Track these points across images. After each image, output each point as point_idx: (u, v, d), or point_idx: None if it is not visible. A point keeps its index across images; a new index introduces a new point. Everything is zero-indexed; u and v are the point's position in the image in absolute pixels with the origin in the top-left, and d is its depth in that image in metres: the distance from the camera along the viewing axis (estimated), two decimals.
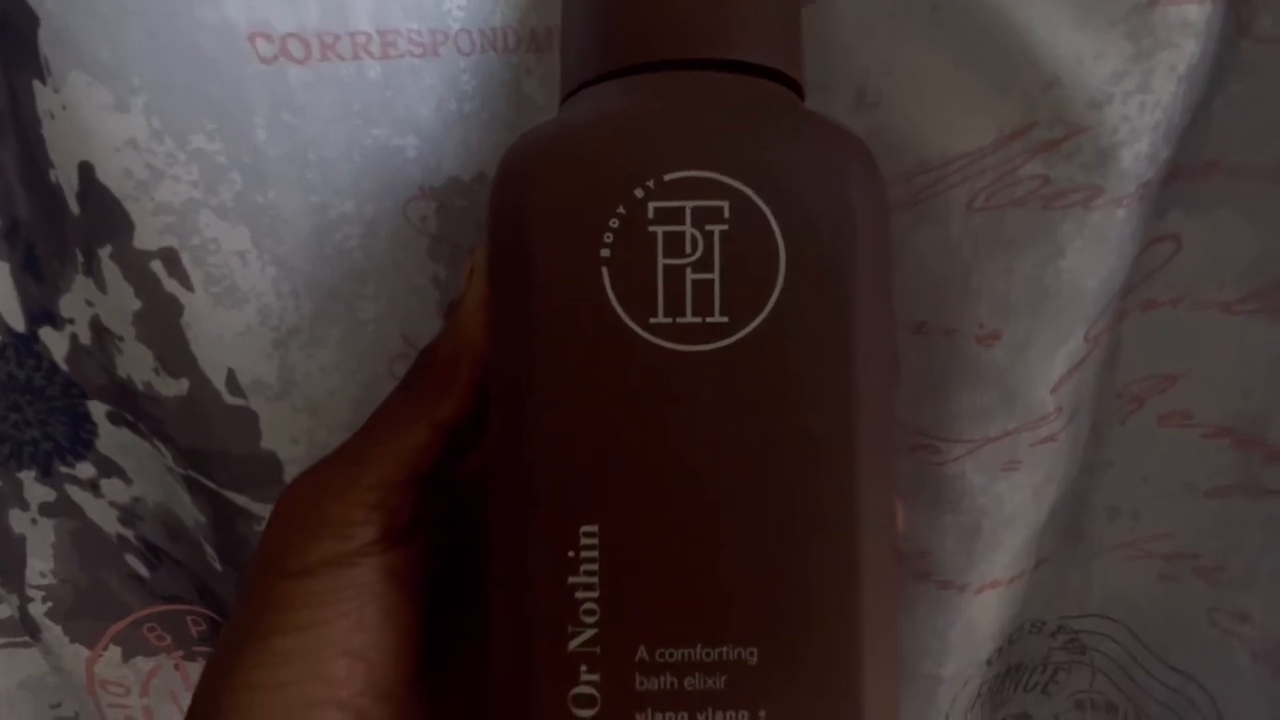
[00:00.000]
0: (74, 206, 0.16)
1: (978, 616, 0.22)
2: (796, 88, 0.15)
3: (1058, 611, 0.24)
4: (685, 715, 0.13)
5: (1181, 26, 0.14)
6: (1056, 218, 0.16)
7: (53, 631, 0.25)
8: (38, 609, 0.25)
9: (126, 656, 0.26)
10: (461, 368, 0.15)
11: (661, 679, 0.13)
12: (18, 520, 0.23)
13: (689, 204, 0.13)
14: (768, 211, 0.13)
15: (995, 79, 0.15)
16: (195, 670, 0.28)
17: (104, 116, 0.15)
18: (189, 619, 0.26)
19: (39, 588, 0.24)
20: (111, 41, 0.14)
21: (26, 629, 0.26)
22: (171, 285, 0.16)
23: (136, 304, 0.17)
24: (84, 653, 0.26)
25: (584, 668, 0.13)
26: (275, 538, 0.15)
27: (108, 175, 0.15)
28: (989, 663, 0.23)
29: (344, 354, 0.19)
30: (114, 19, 0.14)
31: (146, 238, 0.16)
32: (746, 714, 0.13)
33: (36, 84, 0.15)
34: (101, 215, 0.16)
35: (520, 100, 0.17)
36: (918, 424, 0.19)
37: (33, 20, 0.14)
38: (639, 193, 0.13)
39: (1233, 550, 0.20)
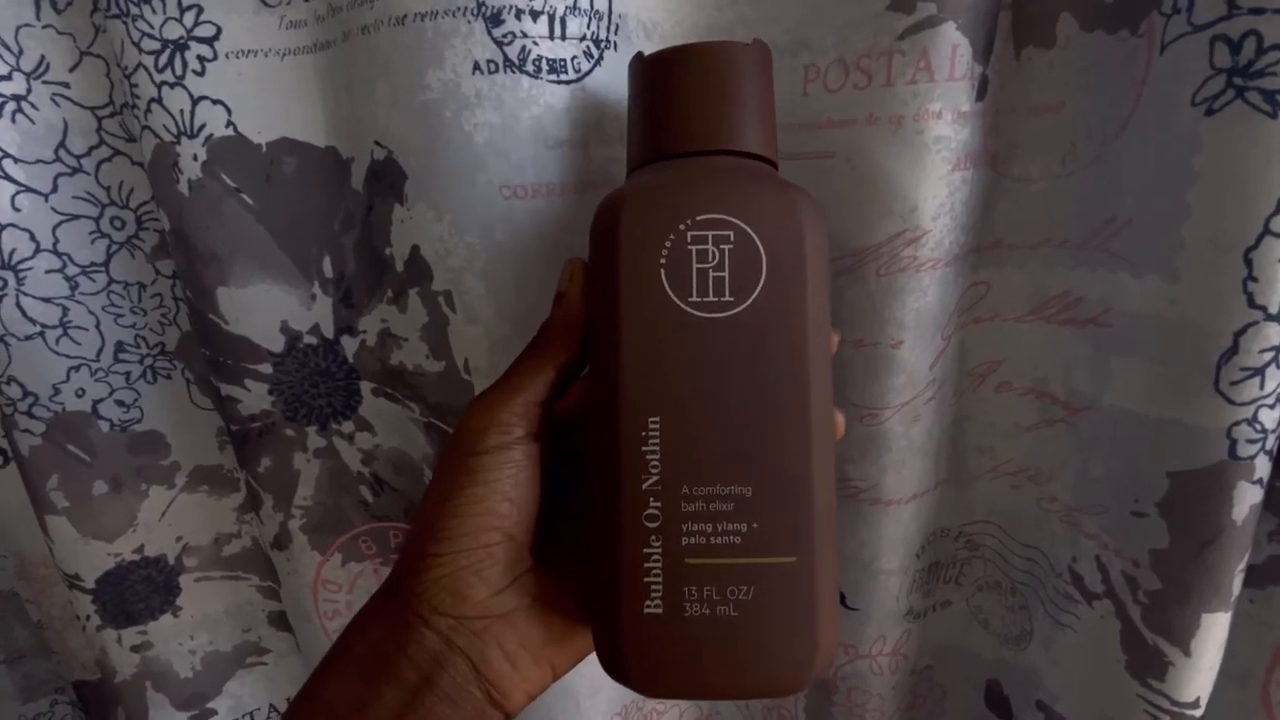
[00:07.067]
0: (399, 266, 0.29)
1: (908, 520, 0.32)
2: (772, 163, 0.21)
3: (956, 522, 0.35)
4: (710, 525, 0.19)
5: (963, 184, 0.26)
6: (923, 276, 0.27)
7: (299, 541, 0.36)
8: (295, 524, 0.36)
9: (344, 562, 0.37)
10: (570, 333, 0.22)
11: (697, 504, 0.19)
12: (298, 459, 0.35)
13: (710, 233, 0.19)
14: (755, 237, 0.19)
15: (883, 208, 0.26)
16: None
17: (460, 225, 0.26)
18: (391, 533, 0.36)
19: (299, 508, 0.36)
20: (439, 191, 0.27)
21: (278, 542, 0.36)
22: (446, 310, 0.29)
23: (425, 319, 0.29)
24: (317, 558, 0.37)
25: (651, 499, 0.19)
26: (463, 434, 0.21)
27: (426, 251, 0.28)
28: (917, 555, 0.34)
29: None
30: (449, 178, 0.27)
31: (439, 283, 0.28)
32: (744, 525, 0.19)
33: (395, 205, 0.28)
34: (418, 271, 0.29)
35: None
36: (864, 401, 0.30)
37: (403, 176, 0.28)
38: (681, 226, 0.19)
39: (1044, 460, 0.31)
